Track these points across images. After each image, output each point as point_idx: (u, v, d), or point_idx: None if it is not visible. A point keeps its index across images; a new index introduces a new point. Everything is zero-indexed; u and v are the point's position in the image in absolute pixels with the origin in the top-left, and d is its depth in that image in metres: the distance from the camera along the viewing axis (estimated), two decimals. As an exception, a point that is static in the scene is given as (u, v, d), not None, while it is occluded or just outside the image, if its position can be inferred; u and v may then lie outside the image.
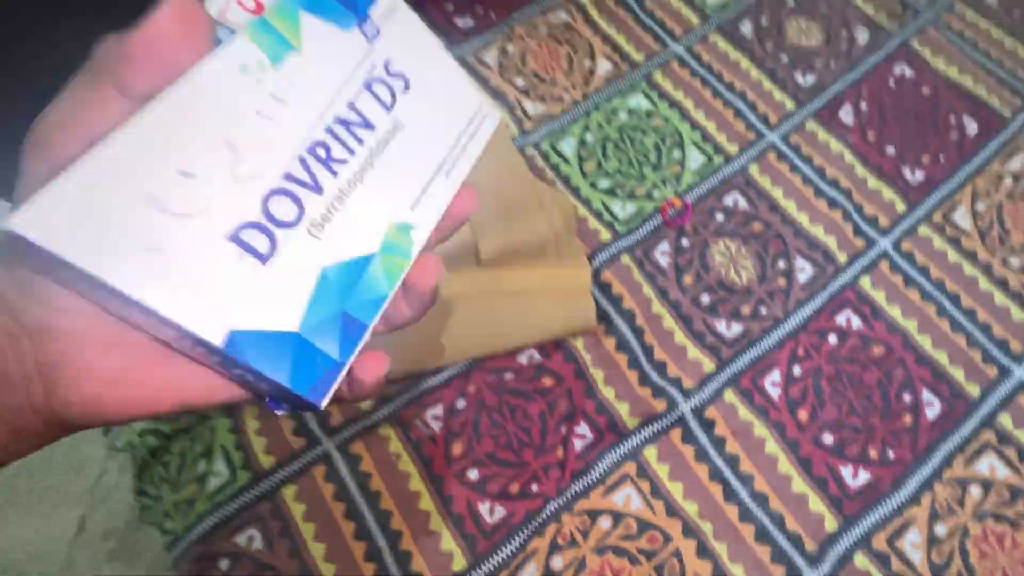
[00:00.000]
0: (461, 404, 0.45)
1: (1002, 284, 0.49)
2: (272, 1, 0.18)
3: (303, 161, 0.17)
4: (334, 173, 0.18)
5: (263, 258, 0.16)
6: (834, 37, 0.61)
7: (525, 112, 0.56)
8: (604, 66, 0.59)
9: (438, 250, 0.44)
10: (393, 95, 0.20)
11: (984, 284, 0.49)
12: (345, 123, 0.19)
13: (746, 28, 0.61)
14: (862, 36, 0.61)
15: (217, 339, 0.16)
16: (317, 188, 0.18)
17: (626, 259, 0.50)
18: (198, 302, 0.15)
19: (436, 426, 0.45)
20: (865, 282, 0.49)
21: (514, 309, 0.45)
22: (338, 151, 0.18)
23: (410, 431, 0.45)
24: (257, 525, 0.42)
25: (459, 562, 0.41)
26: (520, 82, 0.58)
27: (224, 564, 0.41)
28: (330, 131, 0.18)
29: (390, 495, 0.43)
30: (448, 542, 0.41)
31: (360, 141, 0.19)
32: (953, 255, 0.50)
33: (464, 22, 0.61)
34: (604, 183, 0.53)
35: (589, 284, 0.46)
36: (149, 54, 0.15)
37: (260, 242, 0.16)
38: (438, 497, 0.42)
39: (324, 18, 0.19)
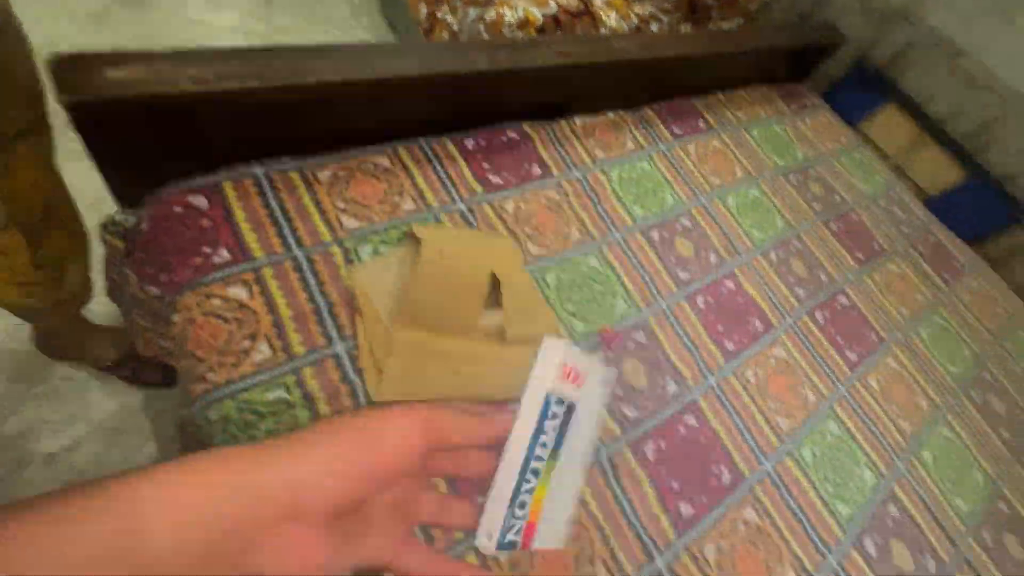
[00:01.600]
0: (472, 429, 0.68)
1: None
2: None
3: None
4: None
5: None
6: (699, 255, 1.04)
7: (529, 251, 0.87)
8: (575, 235, 0.94)
9: (482, 325, 0.73)
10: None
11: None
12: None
13: (655, 235, 1.02)
14: (712, 259, 1.05)
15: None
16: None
17: (579, 358, 0.80)
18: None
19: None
20: (701, 401, 0.85)
21: (515, 373, 0.71)
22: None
23: (436, 442, 0.66)
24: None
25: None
26: (527, 229, 0.89)
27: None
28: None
29: (419, 483, 0.63)
30: (456, 519, 0.62)
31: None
32: None
33: (495, 179, 0.93)
34: (570, 307, 0.85)
35: None
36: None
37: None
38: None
39: None
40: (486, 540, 0.32)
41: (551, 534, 0.36)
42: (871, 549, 0.82)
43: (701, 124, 1.30)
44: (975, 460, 1.02)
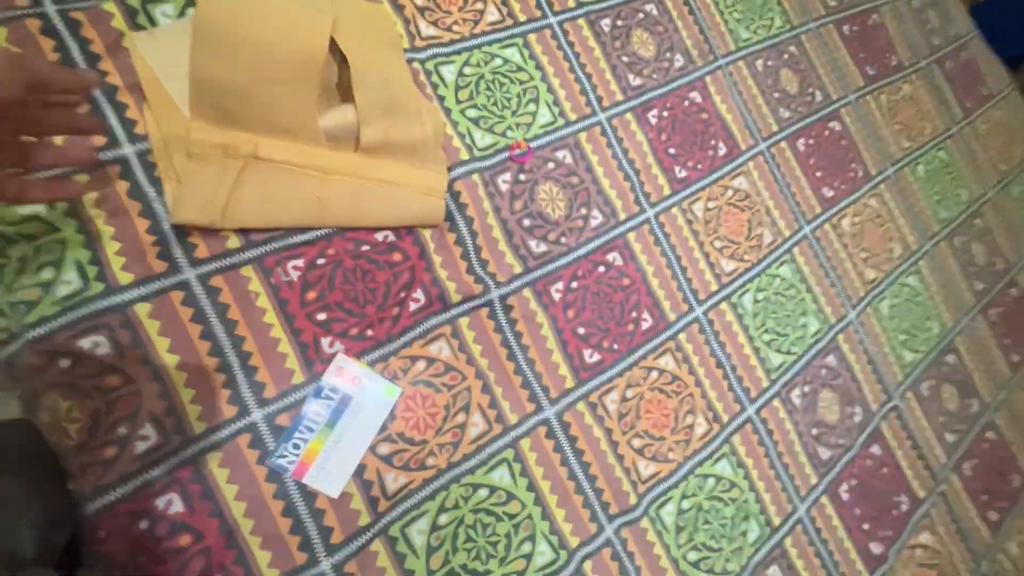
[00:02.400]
0: (321, 261, 0.54)
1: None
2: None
3: None
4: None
5: None
6: (661, 55, 0.80)
7: (419, 31, 0.64)
8: (493, 13, 0.69)
9: (324, 126, 0.53)
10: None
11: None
12: None
13: (606, 23, 0.77)
14: (678, 61, 0.81)
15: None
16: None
17: (476, 177, 0.63)
18: None
19: (295, 274, 0.53)
20: (631, 236, 0.71)
21: (380, 193, 0.55)
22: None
23: (271, 275, 0.52)
24: (104, 332, 0.46)
25: (298, 377, 0.51)
26: (420, 1, 0.65)
27: (64, 363, 0.45)
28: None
29: (245, 323, 0.50)
30: (292, 363, 0.51)
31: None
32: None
33: (377, -78, 0.65)
34: (472, 112, 0.65)
35: (444, 188, 0.58)
36: None
37: None
38: (289, 329, 0.52)
39: None
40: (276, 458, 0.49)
41: (322, 479, 0.49)
42: (796, 399, 0.76)
43: None
44: (935, 311, 0.93)
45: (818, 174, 0.89)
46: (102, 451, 0.45)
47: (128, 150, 0.50)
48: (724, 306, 0.75)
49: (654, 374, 0.68)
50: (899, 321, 0.88)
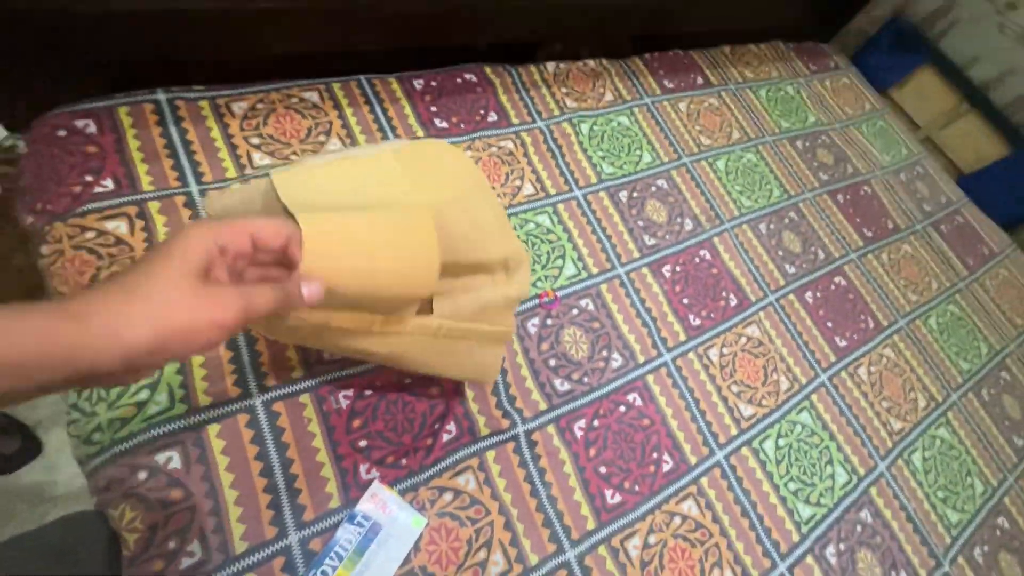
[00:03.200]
0: (368, 392, 0.61)
1: None
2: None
3: None
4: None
5: None
6: (672, 220, 0.93)
7: (467, 202, 0.78)
8: (528, 188, 0.84)
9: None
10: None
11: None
12: None
13: (623, 195, 0.91)
14: (688, 225, 0.93)
15: None
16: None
17: (508, 322, 0.71)
18: None
19: (344, 403, 0.60)
20: (650, 378, 0.76)
21: (439, 348, 0.59)
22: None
23: (324, 403, 0.59)
24: (178, 448, 0.53)
25: (335, 502, 0.55)
26: (469, 180, 0.80)
27: (142, 475, 0.51)
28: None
29: (296, 447, 0.56)
30: (332, 487, 0.55)
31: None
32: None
33: (442, 123, 0.84)
34: (507, 267, 0.76)
35: (503, 344, 0.61)
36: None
37: None
38: (332, 454, 0.57)
39: None
40: None
41: None
42: (831, 558, 0.72)
43: (699, 80, 1.16)
44: (975, 467, 0.90)
45: (829, 324, 0.94)
46: (151, 564, 0.48)
47: (227, 293, 0.61)
48: (746, 451, 0.76)
49: (677, 520, 0.67)
50: (936, 476, 0.86)
